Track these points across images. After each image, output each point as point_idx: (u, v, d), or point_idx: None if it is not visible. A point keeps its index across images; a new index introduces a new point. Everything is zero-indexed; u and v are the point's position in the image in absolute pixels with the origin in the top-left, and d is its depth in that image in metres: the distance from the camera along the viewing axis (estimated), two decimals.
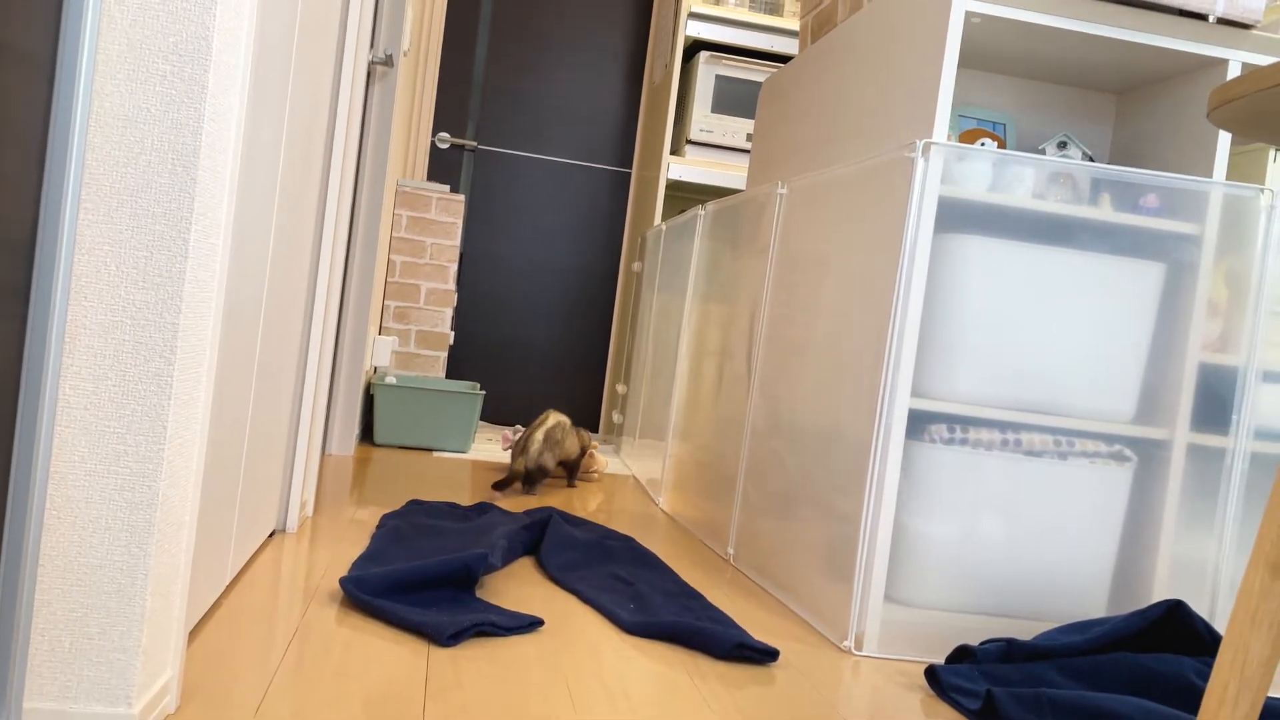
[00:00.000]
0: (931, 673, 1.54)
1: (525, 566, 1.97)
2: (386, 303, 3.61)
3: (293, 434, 1.99)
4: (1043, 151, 1.98)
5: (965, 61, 2.05)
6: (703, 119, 3.78)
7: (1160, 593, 1.78)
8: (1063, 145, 1.93)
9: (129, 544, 0.98)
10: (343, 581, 1.58)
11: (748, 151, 3.84)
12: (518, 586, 1.81)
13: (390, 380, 3.34)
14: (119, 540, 0.98)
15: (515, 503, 2.58)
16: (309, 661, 1.32)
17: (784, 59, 3.95)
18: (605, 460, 3.28)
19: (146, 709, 1.03)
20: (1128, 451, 1.79)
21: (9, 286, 0.83)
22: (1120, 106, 2.11)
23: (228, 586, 1.58)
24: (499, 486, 2.64)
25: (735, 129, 3.80)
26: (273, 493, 1.86)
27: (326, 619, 1.50)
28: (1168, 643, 1.58)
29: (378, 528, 2.06)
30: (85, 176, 0.95)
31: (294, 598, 1.58)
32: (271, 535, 1.93)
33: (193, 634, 1.36)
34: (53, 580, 0.98)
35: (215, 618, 1.44)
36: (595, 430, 4.43)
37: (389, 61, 2.80)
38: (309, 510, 2.14)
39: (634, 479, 3.31)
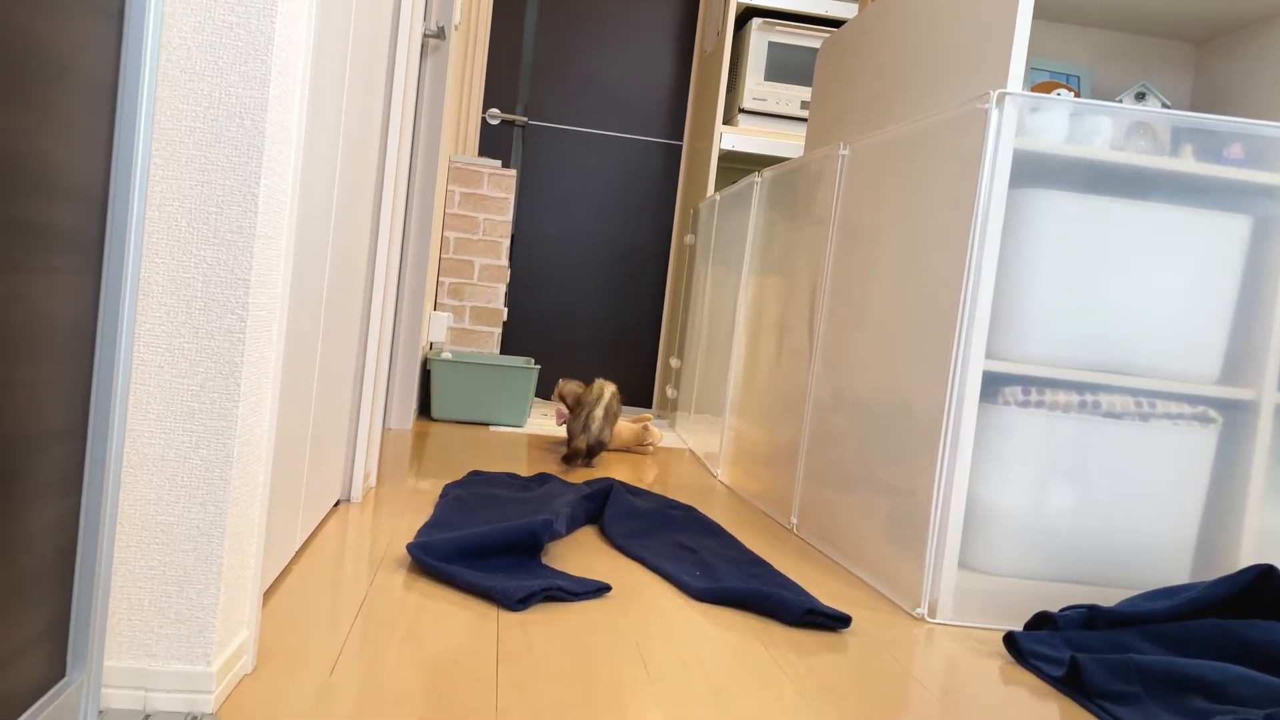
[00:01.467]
0: (1010, 639, 1.49)
1: (588, 535, 1.95)
2: (441, 279, 3.62)
3: (355, 405, 1.99)
4: (1119, 103, 1.91)
5: (1038, 11, 1.97)
6: (755, 87, 3.72)
7: (1246, 560, 1.71)
8: (1140, 96, 1.86)
9: (205, 501, 0.98)
10: (410, 547, 1.58)
11: (802, 120, 3.78)
12: (582, 554, 1.80)
13: (446, 356, 3.35)
14: (195, 497, 0.98)
15: (575, 474, 2.57)
16: (379, 626, 1.32)
17: (838, 23, 3.86)
18: (660, 433, 3.26)
19: (224, 668, 1.03)
20: (1212, 413, 1.72)
21: (84, 242, 0.82)
22: (1200, 56, 2.02)
23: (297, 553, 1.58)
24: (568, 460, 2.69)
25: (789, 96, 3.74)
26: (337, 463, 1.86)
27: (394, 585, 1.49)
28: (1259, 609, 1.52)
29: (441, 497, 2.06)
30: (155, 131, 0.94)
31: (361, 564, 1.58)
32: (336, 505, 1.94)
33: (264, 598, 1.36)
34: (130, 538, 0.98)
35: (286, 583, 1.44)
36: (649, 405, 4.41)
37: (441, 34, 2.79)
38: (372, 481, 2.15)
39: (690, 452, 3.29)
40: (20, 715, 0.81)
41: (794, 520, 2.23)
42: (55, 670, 0.87)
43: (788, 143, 3.77)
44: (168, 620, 0.99)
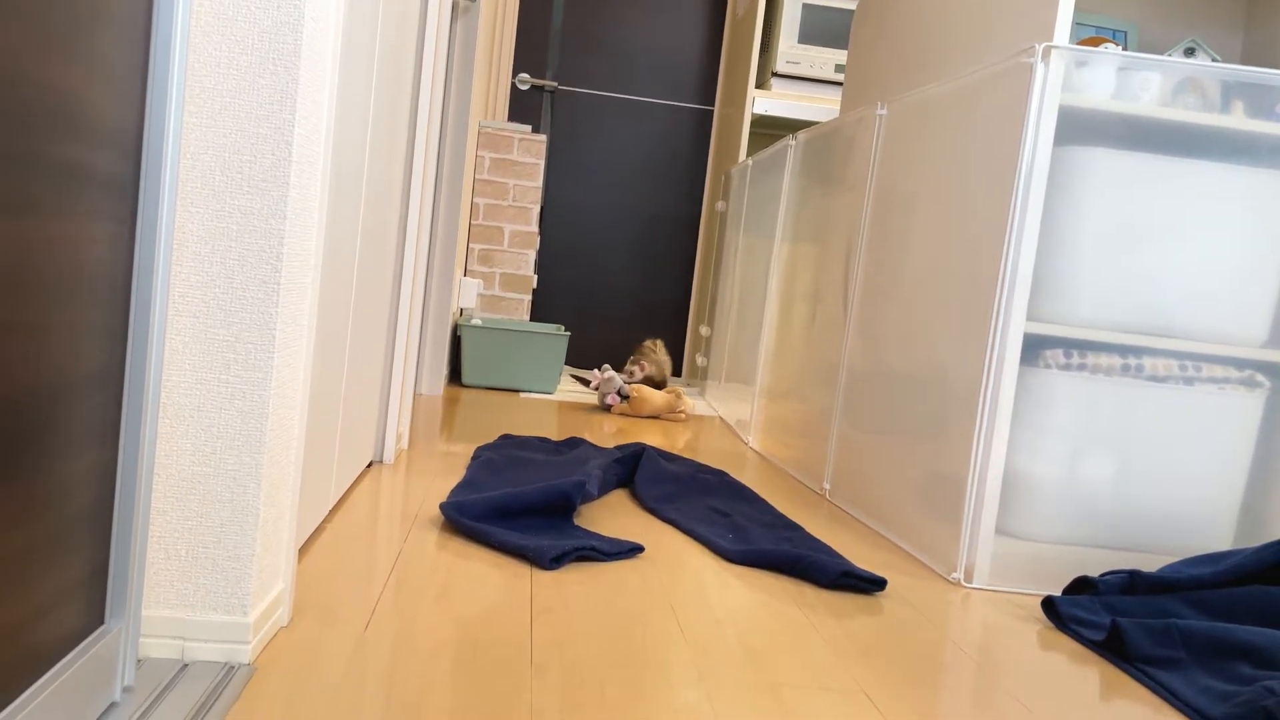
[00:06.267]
0: (1049, 604, 1.47)
1: (620, 498, 1.95)
2: (470, 245, 3.61)
3: (387, 368, 1.99)
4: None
5: None
6: (789, 50, 3.67)
7: None
8: (1190, 52, 1.80)
9: (240, 452, 0.97)
10: (443, 506, 1.58)
11: (837, 83, 3.72)
12: (614, 516, 1.79)
13: (476, 322, 3.34)
14: (230, 448, 0.97)
15: (606, 438, 2.57)
16: (413, 583, 1.32)
17: None
18: (691, 402, 3.24)
19: (261, 619, 1.03)
20: (1260, 377, 1.68)
21: (119, 186, 0.82)
22: (1251, 8, 1.96)
23: (331, 511, 1.58)
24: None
25: (824, 60, 3.68)
26: (370, 425, 1.86)
27: (427, 543, 1.50)
28: None
29: (472, 459, 2.06)
30: (188, 76, 0.93)
31: (394, 523, 1.58)
32: (369, 466, 1.94)
33: (299, 554, 1.37)
34: (167, 489, 0.98)
35: (320, 540, 1.44)
36: (679, 373, 4.39)
37: None
38: (404, 444, 2.15)
39: (720, 420, 3.27)
40: (60, 660, 0.81)
41: (827, 486, 2.21)
42: (94, 618, 0.87)
43: (822, 106, 3.71)
44: (205, 570, 0.99)
